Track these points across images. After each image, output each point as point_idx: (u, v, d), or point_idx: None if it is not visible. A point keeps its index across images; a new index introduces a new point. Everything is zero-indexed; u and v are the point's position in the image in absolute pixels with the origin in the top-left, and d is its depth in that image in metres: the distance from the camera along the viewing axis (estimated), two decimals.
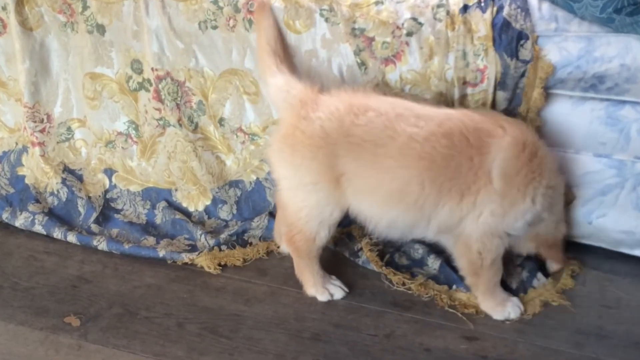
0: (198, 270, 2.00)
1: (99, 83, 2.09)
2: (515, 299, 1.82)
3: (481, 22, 1.77)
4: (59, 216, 2.20)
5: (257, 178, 2.11)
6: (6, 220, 2.20)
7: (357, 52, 1.84)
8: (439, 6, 1.79)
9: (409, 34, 1.80)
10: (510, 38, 1.75)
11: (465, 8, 1.79)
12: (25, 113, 2.17)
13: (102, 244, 2.08)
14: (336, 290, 1.88)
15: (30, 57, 2.10)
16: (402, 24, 1.80)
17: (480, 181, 1.65)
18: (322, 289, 1.88)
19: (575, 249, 1.97)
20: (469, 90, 1.82)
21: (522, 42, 1.75)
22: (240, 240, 2.07)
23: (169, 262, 2.03)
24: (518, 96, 1.80)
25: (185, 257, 2.01)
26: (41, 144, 2.20)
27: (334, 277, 1.92)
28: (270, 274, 1.99)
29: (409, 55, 1.81)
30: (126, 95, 2.09)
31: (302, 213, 1.77)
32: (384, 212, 1.73)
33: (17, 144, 2.26)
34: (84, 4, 1.99)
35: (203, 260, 1.99)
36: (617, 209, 1.86)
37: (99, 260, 2.06)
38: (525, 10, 1.77)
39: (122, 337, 1.78)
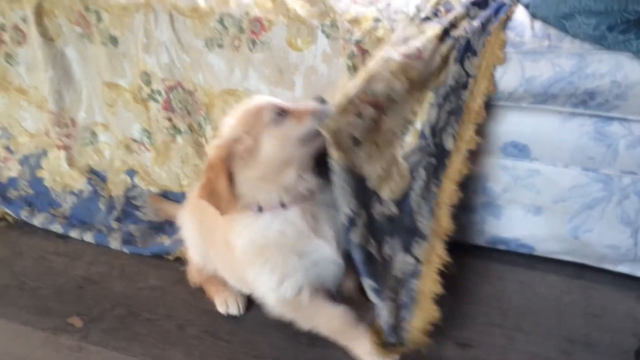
0: None
1: (114, 92, 1.82)
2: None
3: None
4: (79, 215, 1.92)
5: None
6: (24, 219, 1.91)
7: (351, 56, 1.54)
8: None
9: None
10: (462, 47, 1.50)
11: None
12: (50, 119, 1.91)
13: (115, 243, 1.80)
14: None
15: (53, 66, 1.85)
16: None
17: None
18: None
19: (557, 264, 1.69)
20: None
21: (467, 54, 1.49)
22: None
23: (171, 257, 1.74)
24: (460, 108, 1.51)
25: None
26: (67, 148, 1.94)
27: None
28: None
29: None
30: (139, 104, 1.81)
31: None
32: None
33: (37, 148, 1.99)
34: (97, 16, 1.72)
35: None
36: (604, 223, 1.58)
37: (107, 262, 1.77)
38: (482, 30, 1.52)
39: (123, 339, 1.50)
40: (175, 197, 1.88)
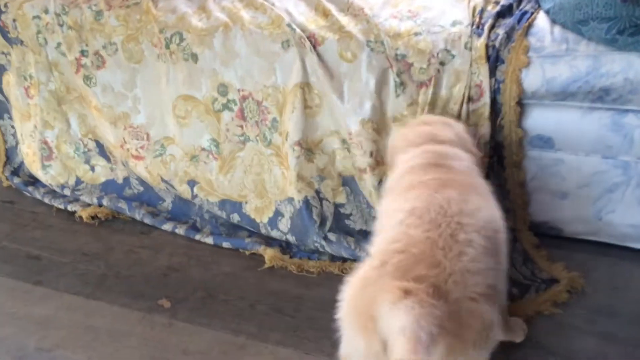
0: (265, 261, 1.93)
1: (190, 104, 1.98)
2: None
3: (478, 44, 1.71)
4: (178, 210, 2.17)
5: (306, 196, 1.89)
6: (132, 214, 2.16)
7: (399, 74, 1.73)
8: (470, 36, 1.73)
9: (442, 64, 1.71)
10: (493, 59, 1.70)
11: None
12: (130, 132, 2.10)
13: (201, 235, 2.04)
14: None
15: (134, 87, 2.04)
16: (437, 54, 1.72)
17: None
18: None
19: (584, 244, 1.86)
20: (472, 106, 1.73)
21: (497, 64, 1.69)
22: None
23: (247, 252, 1.97)
24: (498, 109, 1.72)
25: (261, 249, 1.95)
26: (142, 158, 2.13)
27: None
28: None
29: (439, 81, 1.72)
30: (210, 115, 1.97)
31: None
32: None
33: (121, 157, 2.18)
34: (180, 37, 1.91)
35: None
36: (624, 204, 1.74)
37: (185, 253, 2.01)
38: (507, 39, 1.70)
39: (205, 316, 1.74)
40: (232, 207, 2.03)
